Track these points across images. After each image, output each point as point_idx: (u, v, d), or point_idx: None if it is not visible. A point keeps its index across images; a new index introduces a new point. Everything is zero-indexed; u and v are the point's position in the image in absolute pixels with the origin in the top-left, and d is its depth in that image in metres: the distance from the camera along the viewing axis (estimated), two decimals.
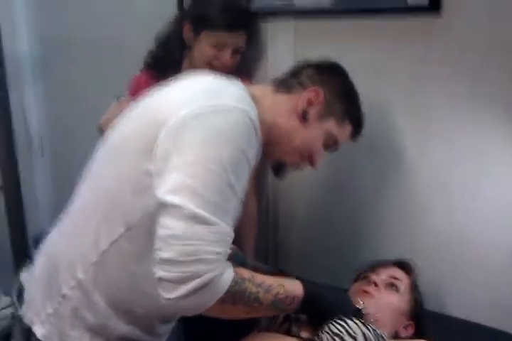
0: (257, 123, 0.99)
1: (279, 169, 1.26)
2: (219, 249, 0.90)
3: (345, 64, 1.24)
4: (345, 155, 1.57)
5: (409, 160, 1.54)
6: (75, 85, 2.27)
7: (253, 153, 0.99)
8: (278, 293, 1.01)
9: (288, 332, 1.13)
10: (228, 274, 0.93)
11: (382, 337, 1.09)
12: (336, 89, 1.17)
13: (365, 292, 1.27)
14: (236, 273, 0.95)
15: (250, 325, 1.18)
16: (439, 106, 1.46)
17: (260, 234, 1.82)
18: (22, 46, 2.37)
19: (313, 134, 1.15)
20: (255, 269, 1.29)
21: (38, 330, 1.08)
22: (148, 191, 0.94)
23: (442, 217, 1.51)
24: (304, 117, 1.12)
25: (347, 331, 1.06)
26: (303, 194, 1.80)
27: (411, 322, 1.30)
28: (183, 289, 0.87)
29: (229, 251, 0.93)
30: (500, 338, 1.40)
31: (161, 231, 0.90)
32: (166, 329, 1.20)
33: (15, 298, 1.17)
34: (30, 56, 2.39)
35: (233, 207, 0.96)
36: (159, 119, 0.96)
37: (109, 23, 2.07)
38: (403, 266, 1.39)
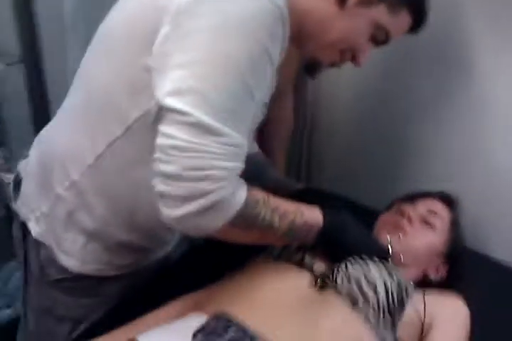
0: (286, 11, 0.78)
1: (312, 67, 1.06)
2: (230, 164, 0.76)
3: None
4: (399, 60, 1.34)
5: (480, 74, 1.27)
6: None
7: (278, 49, 0.80)
8: (294, 219, 0.88)
9: (300, 263, 1.00)
10: (240, 194, 0.79)
11: (407, 289, 0.95)
12: None
13: (397, 226, 1.11)
14: (249, 193, 0.81)
15: (260, 250, 1.06)
16: None
17: (294, 145, 1.67)
18: None
19: (355, 24, 0.90)
20: (277, 183, 1.15)
21: (33, 228, 1.01)
22: (147, 90, 0.79)
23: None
24: (342, 2, 0.87)
25: (366, 276, 0.92)
26: (346, 102, 1.58)
27: (444, 262, 1.15)
28: (187, 208, 0.75)
29: (241, 167, 0.79)
30: None
31: (160, 140, 0.76)
32: (171, 238, 1.12)
33: (12, 189, 1.09)
34: None
35: (250, 115, 0.80)
36: (160, 5, 0.77)
37: None
38: (445, 199, 1.21)
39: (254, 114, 0.82)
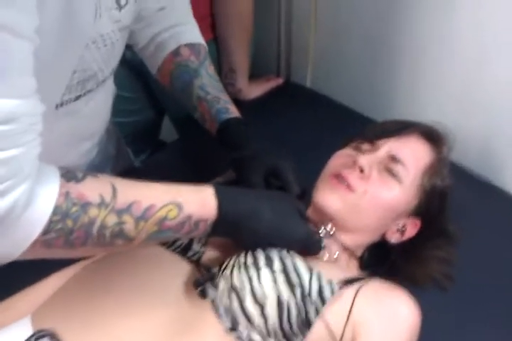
0: None
1: None
2: None
3: None
4: None
5: None
6: None
7: None
8: (165, 218, 0.59)
9: (185, 251, 0.75)
10: (41, 202, 0.51)
11: (322, 300, 0.67)
12: None
13: (341, 178, 0.79)
14: (67, 194, 0.52)
15: None
16: None
17: (270, 38, 1.35)
18: None
19: None
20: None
21: None
22: None
23: None
24: None
25: (252, 290, 0.64)
26: None
27: (414, 220, 0.85)
28: None
29: (24, 152, 0.49)
30: None
31: None
32: None
33: None
34: None
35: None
36: None
37: None
38: (426, 134, 0.87)
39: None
